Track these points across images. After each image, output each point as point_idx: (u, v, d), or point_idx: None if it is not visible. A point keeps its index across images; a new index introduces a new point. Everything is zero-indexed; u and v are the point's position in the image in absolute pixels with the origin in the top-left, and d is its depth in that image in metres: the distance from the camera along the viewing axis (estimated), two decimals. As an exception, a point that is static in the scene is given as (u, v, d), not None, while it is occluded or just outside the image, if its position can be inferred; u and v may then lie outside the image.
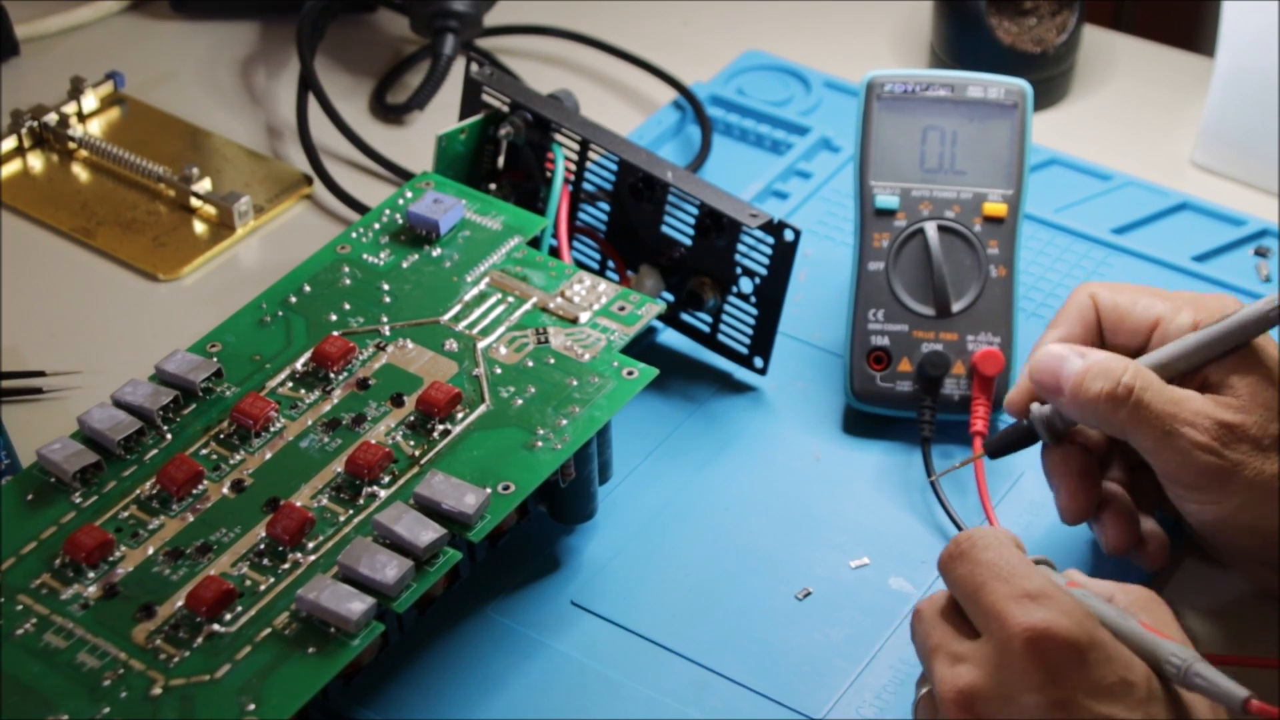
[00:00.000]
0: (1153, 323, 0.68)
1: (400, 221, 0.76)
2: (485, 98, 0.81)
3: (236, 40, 1.04)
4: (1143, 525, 0.69)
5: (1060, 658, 0.54)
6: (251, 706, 0.58)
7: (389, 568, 0.61)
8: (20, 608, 0.61)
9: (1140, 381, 0.64)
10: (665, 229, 0.79)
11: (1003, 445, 0.71)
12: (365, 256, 0.75)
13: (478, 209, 0.77)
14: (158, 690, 0.59)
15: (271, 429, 0.67)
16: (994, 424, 0.77)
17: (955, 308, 0.77)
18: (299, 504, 0.64)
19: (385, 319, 0.72)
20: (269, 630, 0.60)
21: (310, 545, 0.63)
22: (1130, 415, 0.64)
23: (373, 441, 0.66)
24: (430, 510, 0.63)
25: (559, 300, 0.72)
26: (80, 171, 0.94)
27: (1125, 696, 0.54)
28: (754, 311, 0.78)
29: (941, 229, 0.77)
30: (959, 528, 0.72)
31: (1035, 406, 0.69)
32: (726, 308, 0.79)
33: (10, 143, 0.94)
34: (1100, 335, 0.70)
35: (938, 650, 0.58)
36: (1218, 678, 0.56)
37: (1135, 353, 0.69)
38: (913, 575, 0.71)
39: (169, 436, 0.67)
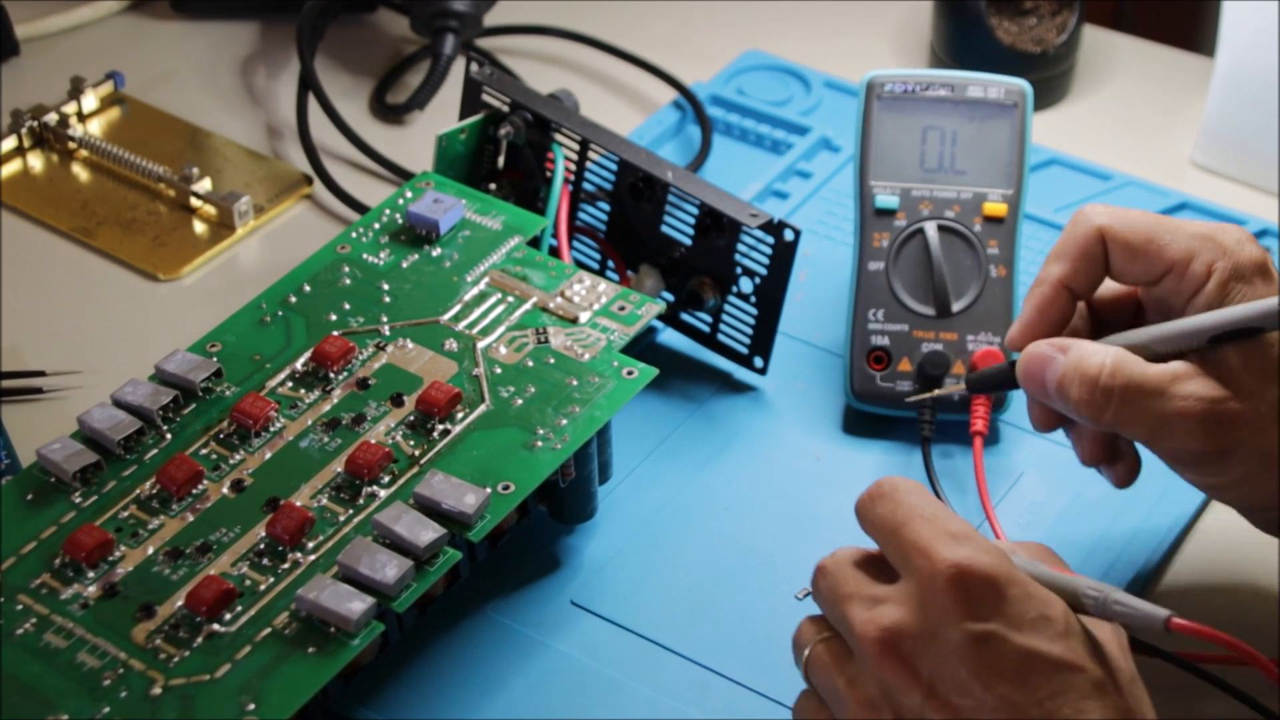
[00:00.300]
0: (1166, 266, 0.65)
1: (400, 221, 0.76)
2: (485, 98, 0.81)
3: (236, 40, 1.04)
4: (1119, 442, 0.67)
5: (983, 592, 0.55)
6: (251, 706, 0.58)
7: (389, 567, 0.61)
8: (20, 608, 0.61)
9: (1120, 379, 0.63)
10: (665, 229, 0.79)
11: (983, 382, 0.70)
12: (365, 256, 0.75)
13: (478, 209, 0.77)
14: (158, 690, 0.59)
15: (271, 429, 0.67)
16: (994, 424, 0.77)
17: (955, 307, 0.77)
18: (299, 504, 0.64)
19: (385, 319, 0.72)
20: (269, 630, 0.60)
21: (310, 545, 0.63)
22: (1115, 415, 0.63)
23: (373, 441, 0.66)
24: (430, 510, 0.63)
25: (559, 300, 0.72)
26: (80, 171, 0.94)
27: (1045, 629, 0.55)
28: (754, 311, 0.78)
29: (941, 229, 0.77)
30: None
31: (1018, 366, 0.67)
32: (726, 308, 0.79)
33: (10, 143, 0.94)
34: (1104, 270, 0.67)
35: (852, 597, 0.57)
36: (1137, 602, 0.56)
37: (1151, 283, 0.66)
38: (913, 575, 0.71)
39: (169, 436, 0.67)
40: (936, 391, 0.73)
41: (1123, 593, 0.57)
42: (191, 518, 0.64)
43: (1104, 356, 0.63)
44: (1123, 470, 0.68)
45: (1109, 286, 0.69)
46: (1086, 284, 0.67)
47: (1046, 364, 0.65)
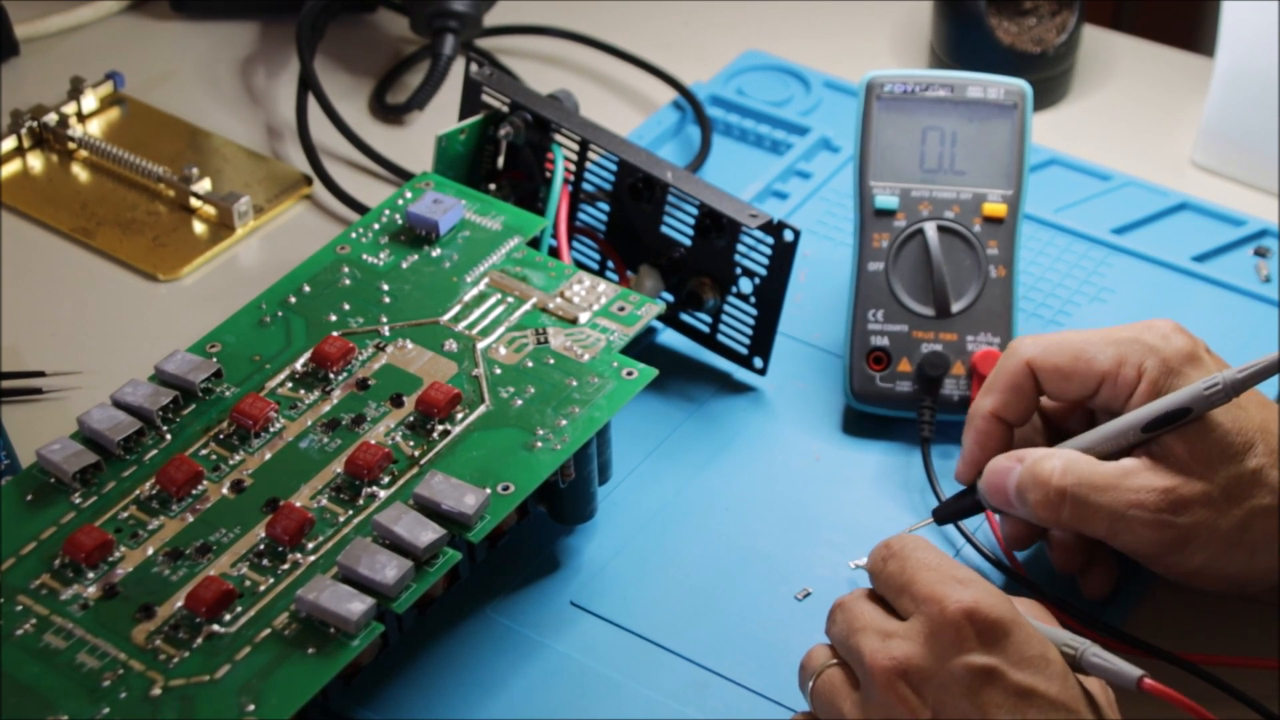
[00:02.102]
0: (1099, 379, 0.68)
1: (400, 222, 0.76)
2: (485, 98, 0.81)
3: (236, 40, 1.04)
4: (1093, 552, 0.69)
5: (989, 630, 0.57)
6: (251, 707, 0.58)
7: (389, 568, 0.61)
8: (20, 608, 0.61)
9: (1071, 479, 0.65)
10: (665, 229, 0.79)
11: (951, 513, 0.71)
12: (365, 257, 0.75)
13: (477, 209, 0.77)
14: (157, 691, 0.59)
15: (271, 429, 0.67)
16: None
17: (955, 308, 0.77)
18: (299, 504, 0.64)
19: (385, 319, 0.72)
20: (269, 631, 0.60)
21: (310, 546, 0.63)
22: (1071, 514, 0.65)
23: (372, 442, 0.66)
24: (430, 511, 0.63)
25: (559, 300, 0.72)
26: (80, 171, 0.94)
27: (1044, 670, 0.57)
28: (754, 312, 0.78)
29: (941, 229, 0.77)
30: (959, 528, 0.72)
31: (981, 482, 0.69)
32: (726, 308, 0.79)
33: (10, 143, 0.94)
34: (1036, 399, 0.70)
35: (866, 629, 0.60)
36: (1112, 659, 0.59)
37: (1089, 397, 0.68)
38: (912, 575, 0.71)
39: (169, 437, 0.67)
40: (913, 528, 0.72)
41: (1099, 648, 0.59)
42: (191, 518, 0.64)
43: (1056, 460, 0.66)
44: (1094, 582, 0.69)
45: (1074, 413, 0.71)
46: (1017, 413, 0.70)
47: (1006, 474, 0.67)
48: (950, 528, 0.72)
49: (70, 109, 0.96)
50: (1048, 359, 0.69)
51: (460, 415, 0.67)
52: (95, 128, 0.96)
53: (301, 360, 0.70)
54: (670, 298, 0.79)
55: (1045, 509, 0.66)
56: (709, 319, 0.80)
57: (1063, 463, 0.66)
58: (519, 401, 0.68)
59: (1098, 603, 0.69)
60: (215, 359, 0.70)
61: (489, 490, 0.64)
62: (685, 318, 0.80)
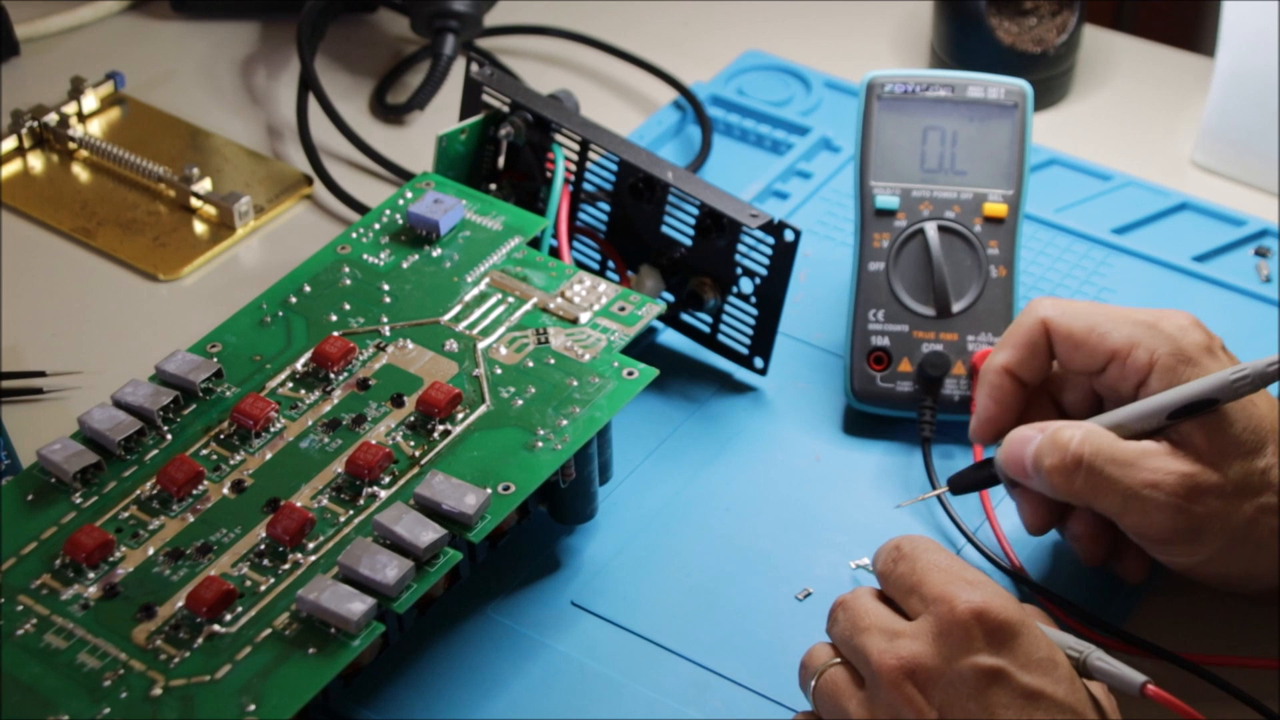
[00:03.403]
0: (1109, 355, 0.67)
1: (400, 222, 0.76)
2: (485, 98, 0.81)
3: (236, 40, 1.04)
4: (1119, 541, 0.68)
5: (997, 632, 0.57)
6: (252, 707, 0.58)
7: (389, 568, 0.61)
8: (20, 608, 0.61)
9: (1090, 448, 0.64)
10: (665, 229, 0.79)
11: (966, 484, 0.71)
12: (365, 257, 0.75)
13: (478, 209, 0.77)
14: (158, 691, 0.59)
15: (271, 429, 0.67)
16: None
17: (955, 308, 0.77)
18: (299, 504, 0.64)
19: (385, 319, 0.72)
20: (269, 631, 0.60)
21: (310, 546, 0.63)
22: (1085, 484, 0.64)
23: (373, 442, 0.66)
24: (430, 511, 0.63)
25: (559, 300, 0.72)
26: (80, 171, 0.94)
27: (1051, 672, 0.58)
28: (754, 312, 0.78)
29: (942, 229, 0.77)
30: (959, 528, 0.72)
31: (999, 452, 0.69)
32: (726, 308, 0.79)
33: (10, 143, 0.94)
34: (1049, 359, 0.69)
35: (872, 628, 0.60)
36: (1116, 665, 0.59)
37: (1094, 374, 0.68)
38: (913, 575, 0.71)
39: (169, 437, 0.67)
40: (919, 498, 0.73)
41: (1103, 653, 0.59)
42: (192, 518, 0.64)
43: (1076, 429, 0.66)
44: (1132, 565, 0.68)
45: (1079, 390, 0.70)
46: (1031, 372, 0.70)
47: (1025, 443, 0.67)
48: (951, 528, 0.72)
49: (71, 109, 0.96)
50: (1063, 322, 0.68)
51: (461, 415, 0.67)
52: (95, 128, 0.96)
53: (302, 360, 0.70)
54: (671, 298, 0.80)
55: (1060, 475, 0.65)
56: (709, 319, 0.80)
57: (1083, 433, 0.65)
58: (519, 401, 0.68)
59: (1105, 600, 0.69)
60: (216, 359, 0.70)
61: (489, 490, 0.64)
62: (685, 318, 0.80)
